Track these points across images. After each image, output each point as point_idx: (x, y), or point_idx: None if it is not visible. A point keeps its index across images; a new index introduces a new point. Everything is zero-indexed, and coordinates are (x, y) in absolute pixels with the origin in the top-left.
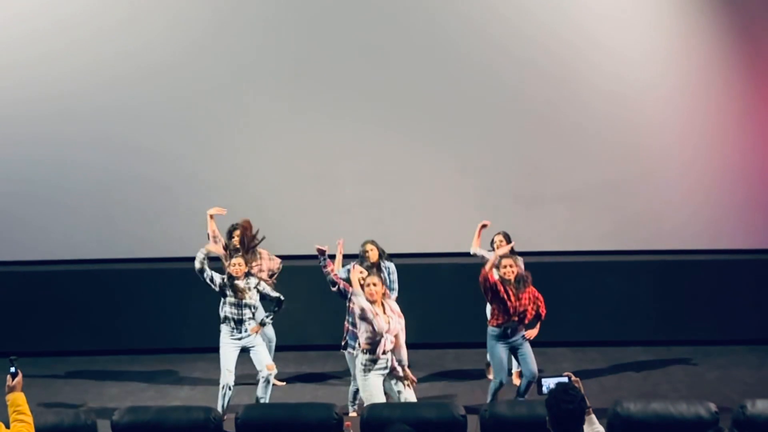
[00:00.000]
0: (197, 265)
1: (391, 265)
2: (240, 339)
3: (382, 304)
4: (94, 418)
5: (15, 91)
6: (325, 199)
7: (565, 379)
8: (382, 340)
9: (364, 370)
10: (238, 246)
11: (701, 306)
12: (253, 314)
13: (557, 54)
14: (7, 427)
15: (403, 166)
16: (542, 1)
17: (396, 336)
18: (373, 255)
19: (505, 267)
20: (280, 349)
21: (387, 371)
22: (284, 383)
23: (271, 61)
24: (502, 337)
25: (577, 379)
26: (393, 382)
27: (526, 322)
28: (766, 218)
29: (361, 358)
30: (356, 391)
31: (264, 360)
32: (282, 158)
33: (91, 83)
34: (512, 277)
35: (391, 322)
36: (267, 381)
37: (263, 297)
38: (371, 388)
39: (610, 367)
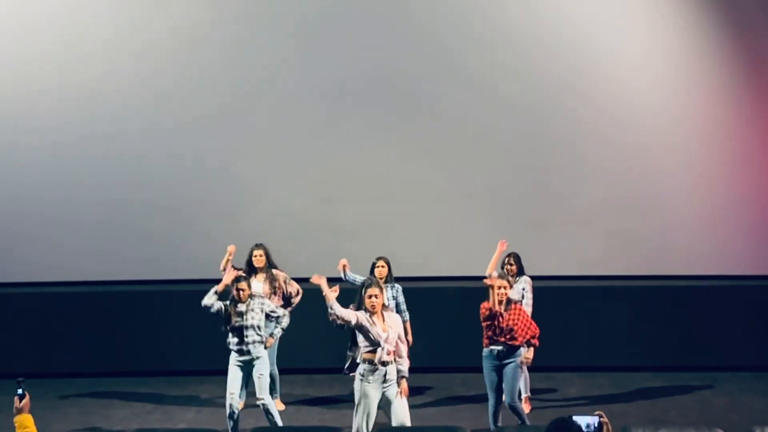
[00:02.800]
0: (207, 301)
1: (399, 287)
2: (244, 362)
3: (382, 315)
4: None
5: (21, 107)
6: (333, 221)
7: (596, 419)
8: (379, 350)
9: (361, 380)
10: (258, 266)
11: (710, 332)
12: (260, 336)
13: (566, 78)
14: None
15: (411, 188)
16: (553, 24)
17: (397, 347)
18: (382, 271)
19: (500, 289)
20: (288, 372)
21: (385, 384)
22: (284, 407)
23: (279, 83)
24: (494, 358)
25: (607, 420)
26: (390, 395)
27: (516, 343)
28: None
29: (360, 368)
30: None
31: (261, 390)
32: (289, 181)
33: (101, 104)
34: (504, 299)
35: (390, 333)
36: (266, 411)
37: (268, 316)
38: (365, 399)
39: (618, 392)
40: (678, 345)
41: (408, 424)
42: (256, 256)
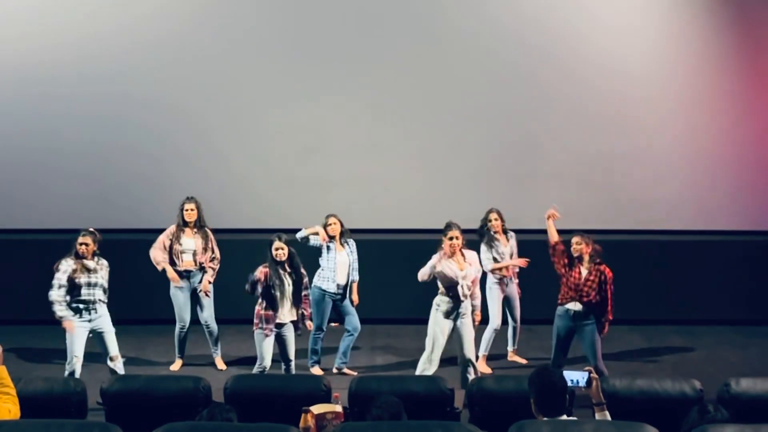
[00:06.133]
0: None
1: (353, 243)
2: (90, 321)
3: (462, 254)
4: (84, 385)
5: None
6: (316, 173)
7: (585, 374)
8: (458, 287)
9: (437, 310)
10: (189, 221)
11: (689, 286)
12: (105, 294)
13: (551, 30)
14: None
15: (395, 141)
16: None
17: (473, 282)
18: (335, 228)
19: (574, 245)
20: None
21: (457, 317)
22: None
23: (263, 34)
24: (570, 319)
25: (596, 376)
26: (461, 327)
27: (589, 300)
28: (756, 200)
29: (436, 299)
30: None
31: (111, 348)
32: (273, 131)
33: (83, 56)
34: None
35: (469, 270)
36: (113, 371)
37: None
38: (435, 327)
39: None
40: (656, 299)
41: (472, 356)
42: (187, 210)
